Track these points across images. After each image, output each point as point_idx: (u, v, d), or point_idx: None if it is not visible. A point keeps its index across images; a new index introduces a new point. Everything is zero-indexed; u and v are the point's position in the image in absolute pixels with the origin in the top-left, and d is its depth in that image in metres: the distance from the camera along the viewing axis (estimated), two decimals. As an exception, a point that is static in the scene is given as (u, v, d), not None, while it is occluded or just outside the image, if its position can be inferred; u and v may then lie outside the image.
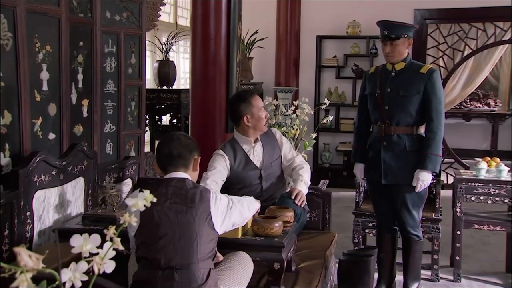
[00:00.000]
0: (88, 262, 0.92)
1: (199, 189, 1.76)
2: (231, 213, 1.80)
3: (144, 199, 1.04)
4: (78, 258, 0.94)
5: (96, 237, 0.96)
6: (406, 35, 2.51)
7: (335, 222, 3.83)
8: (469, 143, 6.65)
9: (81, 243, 0.95)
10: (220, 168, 2.41)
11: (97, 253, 0.92)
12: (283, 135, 3.15)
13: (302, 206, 2.38)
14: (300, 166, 2.54)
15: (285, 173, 2.62)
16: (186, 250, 1.67)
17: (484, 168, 3.05)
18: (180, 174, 1.77)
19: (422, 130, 2.59)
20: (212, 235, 1.74)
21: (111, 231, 0.99)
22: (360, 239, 3.05)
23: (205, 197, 1.73)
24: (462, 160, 5.41)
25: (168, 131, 4.22)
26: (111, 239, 0.96)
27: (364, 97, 2.72)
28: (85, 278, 0.92)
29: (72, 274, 0.92)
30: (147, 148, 4.10)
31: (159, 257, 1.67)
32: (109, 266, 0.95)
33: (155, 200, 1.04)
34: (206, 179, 2.34)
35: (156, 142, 4.50)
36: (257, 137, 2.52)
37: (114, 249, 0.94)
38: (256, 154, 2.51)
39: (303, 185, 2.45)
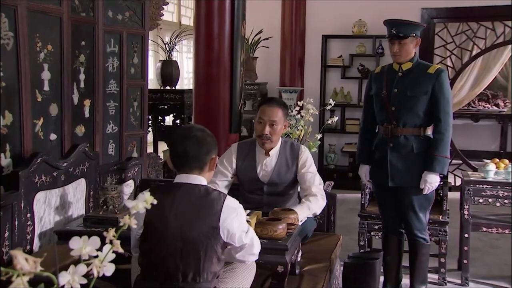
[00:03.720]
0: (88, 265, 0.90)
1: (210, 197, 1.57)
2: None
3: (144, 202, 1.02)
4: (79, 260, 0.92)
5: (96, 240, 0.96)
6: (414, 34, 2.47)
7: (340, 224, 3.78)
8: (478, 144, 6.57)
9: (81, 245, 0.94)
10: (223, 166, 2.35)
11: (98, 256, 0.91)
12: (287, 136, 3.11)
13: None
14: (313, 194, 2.27)
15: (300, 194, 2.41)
16: (188, 268, 1.55)
17: (493, 170, 3.00)
18: (193, 179, 1.61)
19: (429, 131, 2.55)
20: (221, 251, 1.58)
21: (110, 233, 0.97)
22: (366, 242, 3.00)
23: (216, 207, 1.55)
24: (470, 162, 5.33)
25: (171, 132, 4.18)
26: (111, 242, 0.94)
27: (369, 97, 2.68)
28: (84, 281, 0.91)
29: (70, 277, 0.90)
30: (150, 149, 4.07)
31: (159, 271, 1.57)
32: (109, 269, 0.95)
33: (155, 202, 1.01)
34: None
35: (159, 143, 4.47)
36: (268, 151, 2.33)
37: (115, 252, 0.92)
38: (265, 167, 2.35)
39: (304, 210, 2.19)
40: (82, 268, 0.92)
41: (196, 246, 1.55)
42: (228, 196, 1.64)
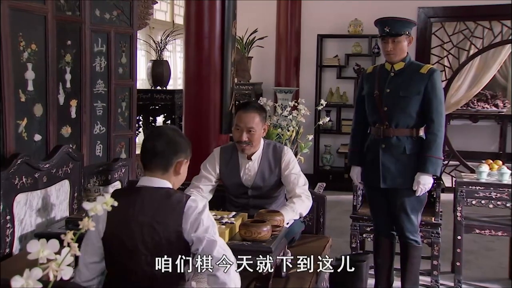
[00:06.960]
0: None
1: (172, 199, 1.51)
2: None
3: (104, 203, 0.99)
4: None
5: (55, 243, 0.94)
6: (407, 32, 2.45)
7: (335, 226, 3.75)
8: (477, 145, 6.52)
9: (38, 248, 0.93)
10: (207, 171, 2.32)
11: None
12: (278, 137, 3.07)
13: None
14: (297, 195, 2.22)
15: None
16: (155, 273, 1.48)
17: (486, 171, 2.95)
18: (155, 182, 1.55)
19: (421, 132, 2.52)
20: (186, 253, 1.50)
21: (68, 236, 0.96)
22: (358, 244, 2.96)
23: (177, 209, 1.49)
24: (470, 163, 5.27)
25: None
26: (69, 245, 0.93)
27: (361, 98, 2.65)
28: (40, 285, 0.88)
29: (24, 281, 0.88)
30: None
31: (124, 276, 1.52)
32: (67, 273, 0.92)
33: (116, 204, 0.98)
34: (191, 185, 2.28)
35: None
36: (250, 155, 2.30)
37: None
38: (248, 172, 2.32)
39: (289, 212, 2.11)
40: (37, 272, 0.90)
41: (159, 249, 1.49)
42: (191, 197, 1.56)
